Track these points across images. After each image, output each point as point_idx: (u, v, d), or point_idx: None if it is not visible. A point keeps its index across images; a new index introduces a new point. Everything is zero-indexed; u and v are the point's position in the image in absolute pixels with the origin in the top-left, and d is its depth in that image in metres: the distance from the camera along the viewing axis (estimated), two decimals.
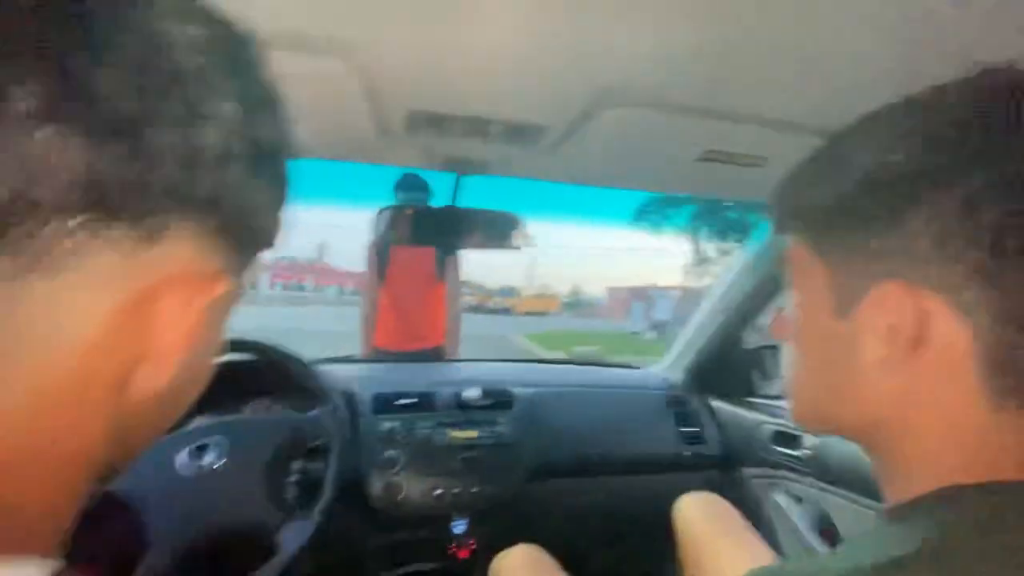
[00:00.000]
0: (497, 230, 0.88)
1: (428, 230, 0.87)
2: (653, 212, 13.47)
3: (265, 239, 0.30)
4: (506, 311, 25.82)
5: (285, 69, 0.27)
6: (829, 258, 0.35)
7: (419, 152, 0.76)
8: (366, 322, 2.14)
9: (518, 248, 0.89)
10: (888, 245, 0.31)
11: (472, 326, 2.38)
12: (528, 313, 26.43)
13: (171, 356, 0.25)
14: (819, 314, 0.35)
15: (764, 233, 1.23)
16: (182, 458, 0.80)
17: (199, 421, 0.88)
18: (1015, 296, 0.28)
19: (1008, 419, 0.29)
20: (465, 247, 0.89)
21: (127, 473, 0.81)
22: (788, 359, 0.40)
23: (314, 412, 0.90)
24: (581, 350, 6.43)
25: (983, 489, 0.29)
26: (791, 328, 0.39)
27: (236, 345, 0.92)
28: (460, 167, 0.81)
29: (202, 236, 0.25)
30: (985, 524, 0.27)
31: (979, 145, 0.29)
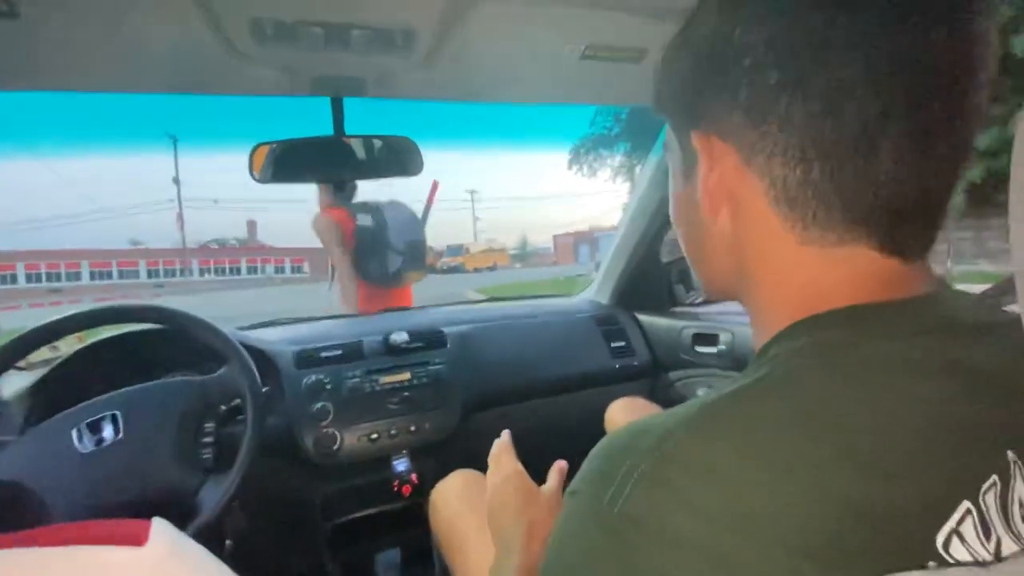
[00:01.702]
0: (393, 155, 0.83)
1: (315, 164, 0.81)
2: (586, 153, 13.53)
3: None
4: (456, 269, 25.64)
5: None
6: (676, 128, 0.37)
7: (281, 73, 0.69)
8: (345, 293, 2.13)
9: (416, 174, 0.85)
10: (699, 103, 0.33)
11: (424, 287, 2.38)
12: (478, 269, 26.40)
13: None
14: (677, 183, 0.39)
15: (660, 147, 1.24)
16: (77, 435, 0.75)
17: (99, 398, 0.82)
18: (776, 132, 0.29)
19: (819, 251, 0.31)
20: (359, 177, 0.84)
21: (23, 457, 0.76)
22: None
23: (220, 372, 0.85)
24: None
25: (805, 324, 0.30)
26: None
27: (128, 312, 0.85)
28: (333, 88, 0.75)
29: None
30: (810, 352, 0.29)
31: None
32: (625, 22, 0.69)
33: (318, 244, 2.13)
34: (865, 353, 0.28)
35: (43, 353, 1.11)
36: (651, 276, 1.44)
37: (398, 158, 0.83)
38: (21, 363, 1.08)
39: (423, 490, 1.03)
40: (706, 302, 1.39)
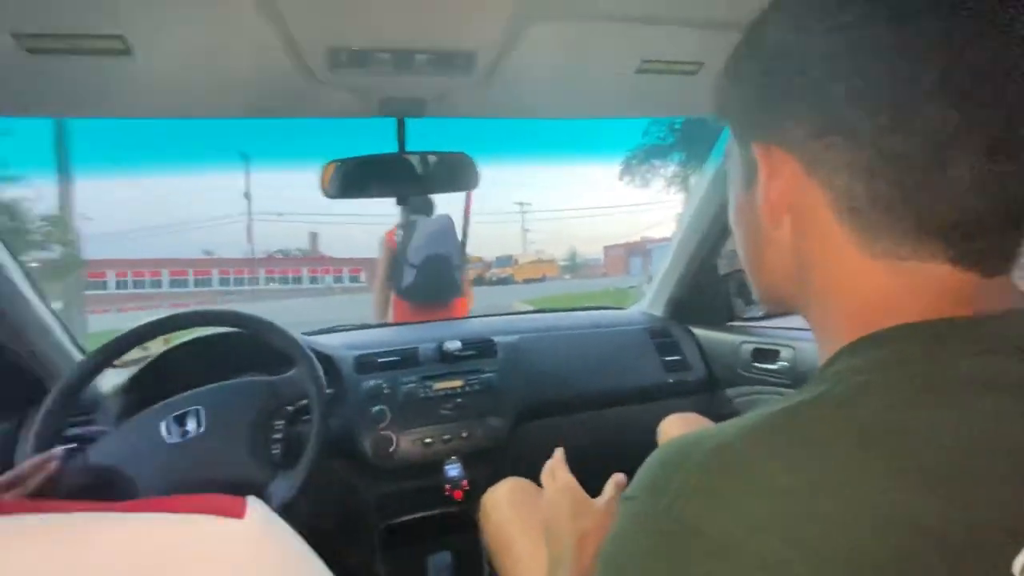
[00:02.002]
0: (451, 170, 0.87)
1: (380, 179, 0.86)
2: (639, 164, 13.30)
3: None
4: (505, 281, 25.82)
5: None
6: (739, 136, 0.37)
7: (352, 96, 0.75)
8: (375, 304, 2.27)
9: (473, 188, 0.88)
10: (762, 113, 0.33)
11: (480, 296, 2.44)
12: (528, 280, 26.44)
13: None
14: (738, 191, 0.38)
15: (719, 156, 1.22)
16: (165, 428, 0.83)
17: (184, 394, 0.90)
18: (842, 145, 0.29)
19: (889, 264, 0.30)
20: (419, 192, 0.88)
21: (119, 445, 0.84)
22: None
23: (289, 373, 0.91)
24: None
25: (872, 339, 0.30)
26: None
27: (209, 317, 0.93)
28: (398, 109, 0.79)
29: None
30: (875, 367, 0.28)
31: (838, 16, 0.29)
32: (681, 35, 0.69)
33: (374, 255, 2.27)
34: (935, 370, 0.27)
35: (134, 353, 1.23)
36: (708, 288, 1.40)
37: (456, 173, 0.87)
38: (116, 361, 1.20)
39: (474, 496, 1.04)
40: (767, 316, 1.34)
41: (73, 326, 1.12)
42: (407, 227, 2.21)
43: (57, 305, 1.11)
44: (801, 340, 1.13)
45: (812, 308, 0.35)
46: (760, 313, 1.37)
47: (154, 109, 0.76)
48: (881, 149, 0.28)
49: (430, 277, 2.14)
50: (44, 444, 0.78)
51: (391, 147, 0.86)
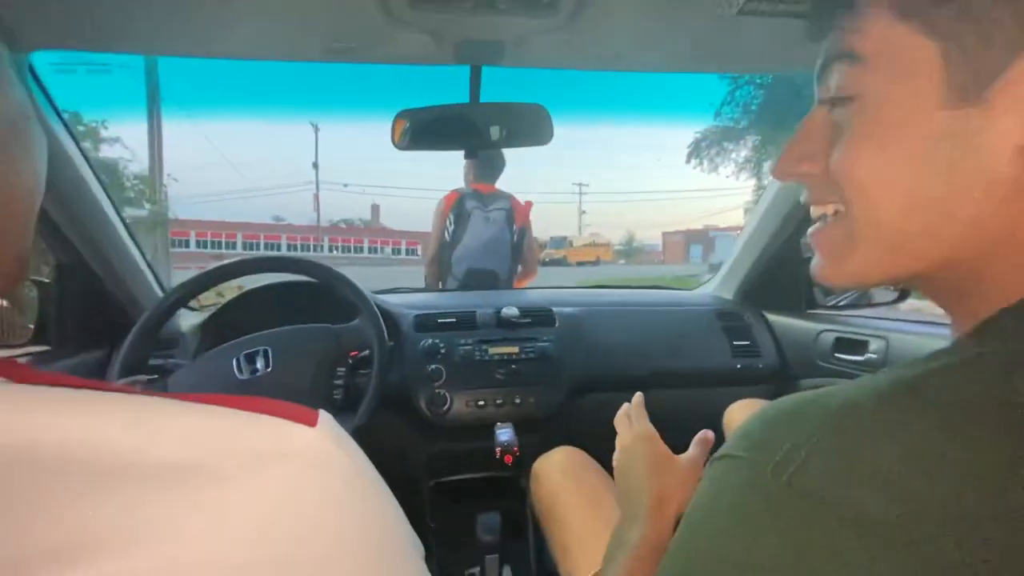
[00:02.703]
0: (525, 123, 0.84)
1: (451, 131, 0.84)
2: (709, 147, 12.68)
3: None
4: (559, 262, 25.68)
5: None
6: (947, 23, 0.26)
7: (428, 40, 0.72)
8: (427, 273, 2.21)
9: (547, 142, 0.84)
10: None
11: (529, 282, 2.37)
12: (581, 263, 26.19)
13: None
14: (916, 111, 0.27)
15: None
16: (236, 364, 0.87)
17: (253, 335, 0.94)
18: None
19: None
20: (492, 146, 0.85)
21: (195, 377, 0.89)
22: (815, 195, 0.34)
23: (353, 322, 0.93)
24: None
25: None
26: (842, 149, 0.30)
27: (281, 263, 0.96)
28: (474, 55, 0.76)
29: None
30: None
31: None
32: None
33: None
34: None
35: (211, 297, 1.30)
36: (786, 272, 1.30)
37: (530, 126, 0.83)
38: (195, 304, 1.27)
39: (524, 462, 1.03)
40: (853, 305, 1.22)
41: (161, 277, 1.20)
42: (460, 216, 2.09)
43: (147, 258, 1.19)
44: (895, 331, 1.02)
45: (997, 272, 0.28)
46: (845, 302, 1.26)
47: (230, 48, 0.77)
48: None
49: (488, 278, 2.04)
50: (129, 371, 0.84)
51: (460, 98, 0.84)
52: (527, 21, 0.68)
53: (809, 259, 1.20)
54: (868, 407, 0.24)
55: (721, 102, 11.57)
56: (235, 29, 0.72)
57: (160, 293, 1.19)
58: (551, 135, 0.83)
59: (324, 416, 0.25)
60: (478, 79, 0.81)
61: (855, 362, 1.07)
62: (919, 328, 1.01)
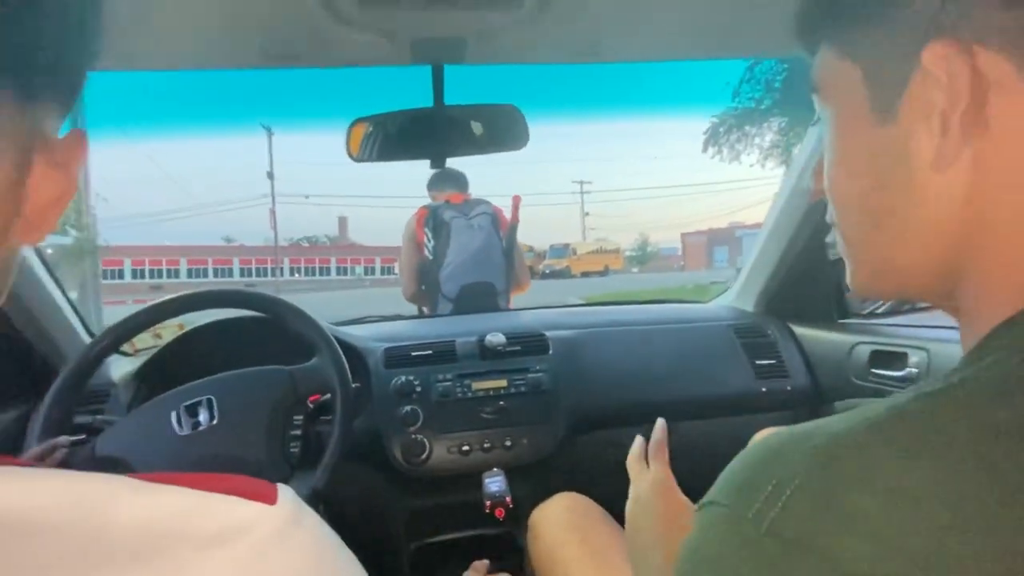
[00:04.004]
0: (497, 126, 0.87)
1: (415, 138, 0.87)
2: (727, 132, 12.86)
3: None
4: (560, 274, 25.75)
5: None
6: (859, 50, 0.33)
7: (382, 40, 0.75)
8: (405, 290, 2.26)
9: (521, 147, 0.87)
10: (927, 4, 0.29)
11: (523, 296, 2.38)
12: (587, 273, 26.28)
13: (45, 220, 0.29)
14: (857, 130, 0.34)
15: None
16: (176, 418, 0.88)
17: (196, 382, 0.95)
18: None
19: None
20: (462, 153, 0.88)
21: (127, 436, 0.90)
22: (832, 213, 0.39)
23: (311, 362, 0.94)
24: None
25: None
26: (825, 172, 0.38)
27: (226, 298, 0.98)
28: (434, 54, 0.79)
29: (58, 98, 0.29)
30: None
31: None
32: None
33: None
34: None
35: (147, 341, 1.32)
36: (813, 278, 1.33)
37: (503, 130, 0.86)
38: (128, 349, 1.29)
39: (518, 515, 1.04)
40: (893, 311, 1.25)
41: (88, 317, 1.21)
42: (438, 229, 2.13)
43: (72, 295, 1.21)
44: (938, 341, 1.04)
45: (966, 281, 0.31)
46: (883, 308, 1.29)
47: (166, 59, 0.80)
48: None
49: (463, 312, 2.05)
50: (51, 431, 0.85)
51: (426, 103, 0.87)
52: (489, 15, 0.72)
53: (839, 260, 1.23)
54: (856, 442, 0.26)
55: (739, 81, 11.78)
56: (160, 39, 0.75)
57: (86, 337, 1.20)
58: (526, 138, 0.86)
59: (284, 491, 0.26)
60: (441, 79, 0.84)
61: (894, 378, 1.10)
62: None
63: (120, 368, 1.19)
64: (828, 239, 1.32)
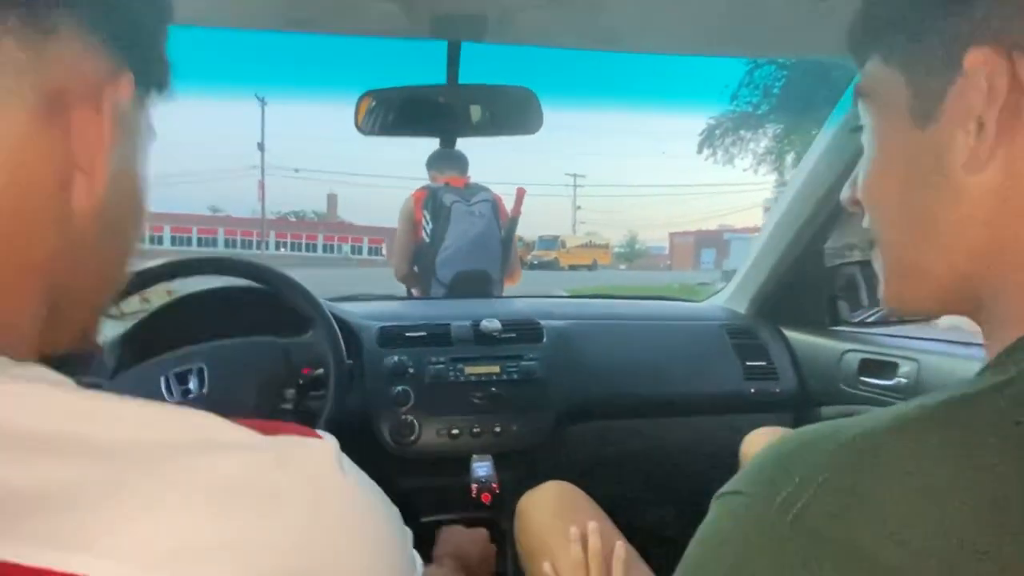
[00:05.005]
0: (511, 109, 0.86)
1: (426, 115, 0.85)
2: (723, 135, 12.92)
3: (154, 40, 0.34)
4: (549, 265, 25.80)
5: None
6: (906, 59, 0.34)
7: (402, 11, 0.74)
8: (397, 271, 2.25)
9: (535, 131, 0.86)
10: (969, 15, 0.30)
11: (512, 287, 2.37)
12: (575, 266, 26.37)
13: (97, 164, 0.29)
14: (898, 135, 0.35)
15: (838, 120, 1.14)
16: (165, 384, 0.86)
17: (186, 349, 0.93)
18: None
19: None
20: (473, 133, 0.87)
21: None
22: (868, 222, 0.39)
23: (305, 336, 0.93)
24: None
25: None
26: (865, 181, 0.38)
27: (223, 265, 0.96)
28: (454, 30, 0.78)
29: (88, 34, 0.28)
30: None
31: None
32: None
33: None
34: None
35: (134, 304, 1.29)
36: (807, 284, 1.34)
37: (516, 112, 0.85)
38: (115, 312, 1.26)
39: (503, 502, 1.04)
40: (882, 322, 1.27)
41: None
42: (437, 212, 2.10)
43: None
44: (928, 352, 1.06)
45: (995, 286, 0.31)
46: (873, 317, 1.30)
47: (185, 15, 0.77)
48: None
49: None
50: None
51: (437, 80, 0.86)
52: None
53: (838, 267, 1.24)
54: (885, 440, 0.26)
55: (738, 84, 11.83)
56: None
57: None
58: (540, 123, 0.85)
59: (324, 435, 0.30)
60: (457, 57, 0.83)
61: (882, 387, 1.11)
62: (953, 349, 1.05)
63: (106, 331, 1.17)
64: (825, 246, 1.33)
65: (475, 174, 2.26)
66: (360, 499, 0.28)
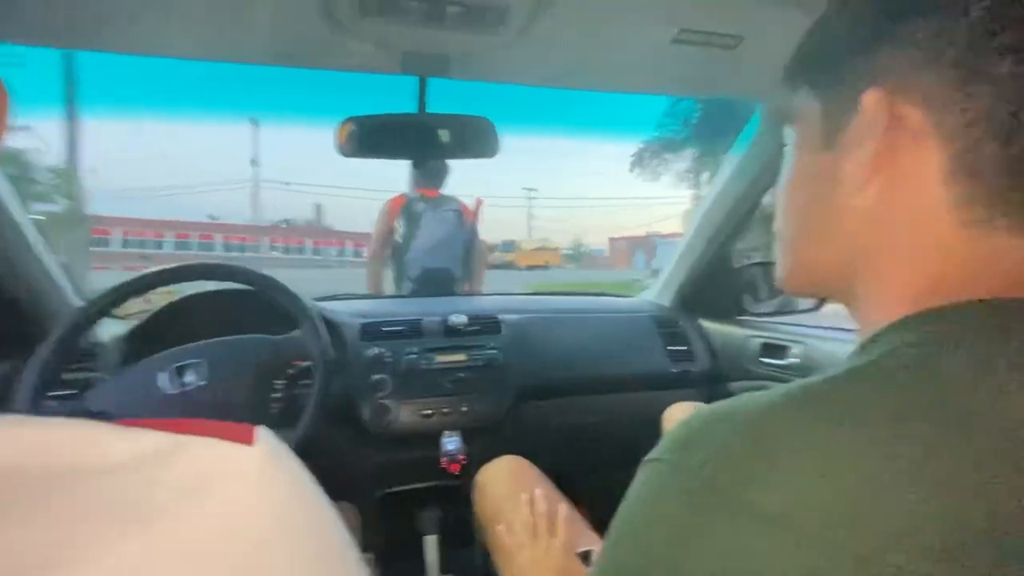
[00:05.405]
0: (471, 136, 0.84)
1: (397, 140, 0.83)
2: (651, 157, 13.19)
3: None
4: (508, 266, 25.79)
5: None
6: (823, 91, 0.34)
7: (376, 49, 0.72)
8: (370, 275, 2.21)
9: (492, 156, 0.85)
10: (875, 61, 0.30)
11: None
12: (530, 267, 26.43)
13: None
14: (808, 155, 0.36)
15: (743, 146, 1.18)
16: (164, 378, 0.82)
17: (185, 346, 0.89)
18: (988, 96, 0.26)
19: (979, 236, 0.28)
20: (439, 156, 0.86)
21: (114, 392, 0.83)
22: (777, 223, 0.40)
23: (294, 332, 0.90)
24: None
25: (939, 312, 0.28)
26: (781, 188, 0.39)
27: (217, 271, 0.91)
28: (421, 67, 0.76)
29: None
30: (949, 339, 0.26)
31: None
32: (722, 5, 0.66)
33: None
34: (1008, 349, 0.25)
35: (137, 305, 1.22)
36: (718, 281, 1.38)
37: (477, 139, 0.84)
38: (119, 312, 1.19)
39: (470, 471, 1.04)
40: (778, 312, 1.32)
41: (76, 281, 1.11)
42: (410, 218, 2.09)
43: (61, 259, 1.10)
44: (813, 337, 1.11)
45: (865, 284, 0.33)
46: (770, 308, 1.35)
47: (169, 47, 0.73)
48: None
49: (424, 295, 2.00)
50: (41, 387, 0.77)
51: (409, 109, 0.84)
52: (474, 37, 0.70)
53: (740, 268, 1.28)
54: (777, 414, 0.27)
55: (663, 114, 12.08)
56: (170, 26, 0.68)
57: (74, 298, 1.10)
58: (497, 148, 0.84)
59: (262, 432, 0.23)
60: (425, 90, 0.81)
61: (778, 366, 1.16)
62: (834, 334, 1.10)
63: (110, 330, 1.10)
64: (731, 251, 1.37)
65: (447, 187, 2.25)
66: (279, 505, 0.22)
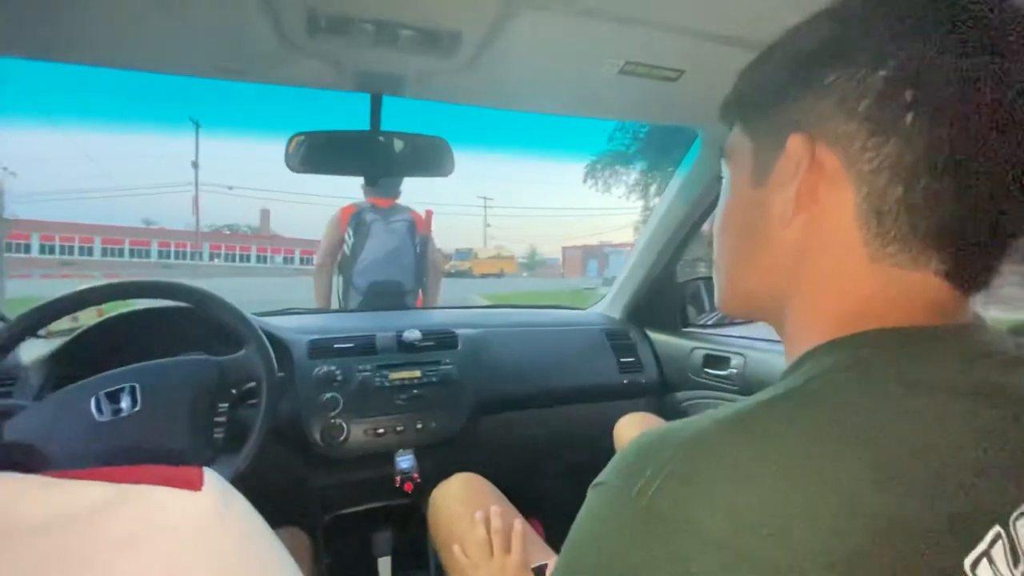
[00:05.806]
0: (425, 154, 0.85)
1: (350, 156, 0.82)
2: (603, 169, 13.55)
3: None
4: (463, 274, 25.68)
5: None
6: (755, 131, 0.37)
7: (328, 67, 0.71)
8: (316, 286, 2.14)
9: (447, 175, 0.86)
10: (800, 107, 0.33)
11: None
12: (486, 275, 26.43)
13: None
14: (742, 189, 0.38)
15: (686, 168, 1.24)
16: (95, 404, 0.76)
17: (118, 369, 0.83)
18: (894, 146, 0.29)
19: (886, 270, 0.31)
20: (392, 174, 0.85)
21: (38, 421, 0.76)
22: (714, 251, 0.43)
23: (238, 354, 0.86)
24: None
25: (850, 340, 0.31)
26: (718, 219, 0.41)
27: (153, 289, 0.86)
28: (375, 85, 0.76)
29: None
30: (852, 367, 0.29)
31: (877, 11, 0.30)
32: (665, 40, 0.70)
33: None
34: (907, 373, 0.28)
35: (63, 324, 1.13)
36: (665, 295, 1.44)
37: (431, 157, 0.84)
38: (42, 332, 1.10)
39: (424, 489, 1.02)
40: (718, 324, 1.39)
41: None
42: (360, 228, 2.03)
43: None
44: (751, 349, 1.17)
45: (791, 310, 0.35)
46: (712, 321, 1.42)
47: (114, 58, 0.69)
48: (931, 157, 0.29)
49: (375, 308, 1.96)
50: None
51: (361, 126, 0.83)
52: (427, 60, 0.70)
53: (684, 283, 1.33)
54: (710, 438, 0.28)
55: (614, 128, 12.45)
56: (120, 37, 0.65)
57: None
58: (451, 167, 0.85)
59: (209, 475, 0.23)
60: (379, 107, 0.81)
61: (720, 376, 1.22)
62: (770, 347, 1.17)
63: (31, 351, 1.01)
64: (676, 266, 1.44)
65: (403, 195, 2.20)
66: (225, 556, 0.22)
